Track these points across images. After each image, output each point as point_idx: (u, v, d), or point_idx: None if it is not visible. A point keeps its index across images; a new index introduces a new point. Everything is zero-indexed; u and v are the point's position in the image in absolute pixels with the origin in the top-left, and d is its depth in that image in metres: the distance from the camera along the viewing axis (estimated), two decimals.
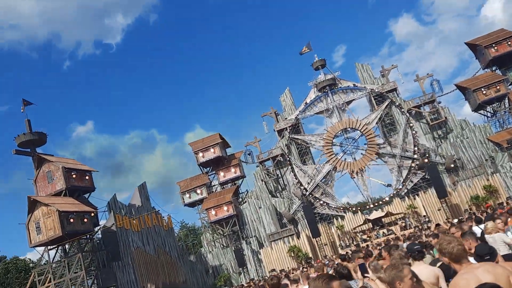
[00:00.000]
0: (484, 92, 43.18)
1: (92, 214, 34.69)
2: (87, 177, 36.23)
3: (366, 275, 4.62)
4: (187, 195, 47.42)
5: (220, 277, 42.65)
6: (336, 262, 15.81)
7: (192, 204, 48.18)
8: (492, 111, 45.57)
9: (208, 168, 49.06)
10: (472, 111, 46.27)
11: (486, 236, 7.33)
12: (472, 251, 4.76)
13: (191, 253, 48.98)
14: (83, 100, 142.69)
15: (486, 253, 4.22)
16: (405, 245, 9.29)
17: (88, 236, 34.89)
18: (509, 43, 43.14)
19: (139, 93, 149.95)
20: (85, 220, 33.33)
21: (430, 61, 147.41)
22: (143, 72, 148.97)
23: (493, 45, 43.43)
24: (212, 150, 46.76)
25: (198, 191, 47.10)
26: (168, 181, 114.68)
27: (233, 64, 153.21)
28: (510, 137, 40.29)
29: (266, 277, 33.00)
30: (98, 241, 36.85)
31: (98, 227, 36.70)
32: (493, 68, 45.65)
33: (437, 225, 17.56)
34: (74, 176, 34.74)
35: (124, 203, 40.05)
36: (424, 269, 4.74)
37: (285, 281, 9.62)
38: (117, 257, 35.49)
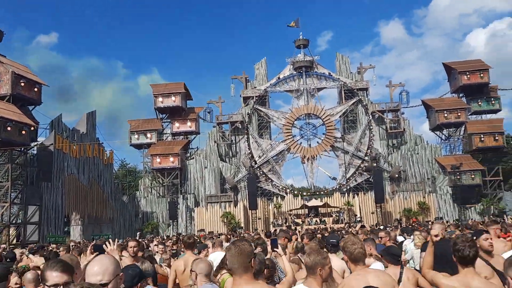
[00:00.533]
0: (446, 115, 44.66)
1: (32, 128, 32.73)
2: (35, 89, 33.97)
3: (275, 249, 4.91)
4: (136, 136, 46.05)
5: (148, 224, 42.29)
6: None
7: (138, 146, 46.93)
8: (447, 135, 47.38)
9: (163, 115, 47.73)
10: (430, 129, 47.91)
11: (412, 247, 8.03)
12: (372, 254, 5.50)
13: (125, 193, 48.06)
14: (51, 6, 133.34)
15: (399, 255, 4.94)
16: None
17: (22, 149, 33.06)
18: (482, 75, 44.57)
19: (116, 16, 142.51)
20: (23, 132, 31.40)
21: (406, 71, 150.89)
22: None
23: (467, 73, 44.72)
24: (173, 98, 45.37)
25: (148, 135, 45.85)
26: (117, 116, 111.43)
27: (216, 18, 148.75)
28: (455, 163, 42.15)
29: (193, 235, 33.03)
30: (31, 157, 35.08)
31: (35, 143, 34.88)
32: (460, 95, 47.20)
33: (362, 226, 18.10)
34: (22, 84, 32.44)
35: (68, 126, 38.32)
36: (335, 261, 5.15)
37: (208, 242, 9.55)
38: (47, 178, 34.03)
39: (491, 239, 4.85)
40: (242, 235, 25.76)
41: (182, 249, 8.90)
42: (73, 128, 38.83)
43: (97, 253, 4.36)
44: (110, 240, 4.53)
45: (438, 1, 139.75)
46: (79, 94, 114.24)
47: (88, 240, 26.19)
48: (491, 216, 38.28)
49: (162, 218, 43.67)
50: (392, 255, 4.86)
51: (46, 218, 33.39)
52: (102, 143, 42.82)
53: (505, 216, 35.90)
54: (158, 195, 45.44)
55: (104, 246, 4.42)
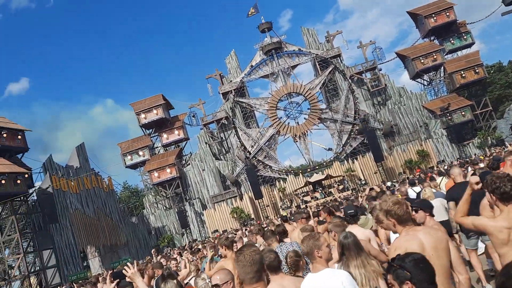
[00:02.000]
0: (422, 61, 44.94)
1: (26, 175, 33.01)
2: (19, 137, 34.16)
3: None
4: (129, 157, 46.37)
5: (163, 238, 42.78)
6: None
7: (134, 166, 47.28)
8: (428, 80, 47.71)
9: (150, 130, 47.98)
10: (410, 79, 48.24)
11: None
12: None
13: (133, 215, 48.51)
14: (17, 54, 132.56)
15: (433, 207, 4.67)
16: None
17: (22, 198, 33.36)
18: (448, 14, 44.78)
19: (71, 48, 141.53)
20: (18, 181, 31.64)
21: (372, 29, 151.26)
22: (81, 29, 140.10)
23: (433, 15, 44.90)
24: (155, 111, 45.58)
25: (141, 153, 46.17)
26: (105, 143, 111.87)
27: (175, 24, 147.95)
28: (443, 105, 42.56)
29: (209, 237, 33.52)
30: (33, 203, 35.39)
31: (33, 189, 35.16)
32: (432, 38, 47.42)
33: (371, 188, 18.38)
34: (5, 135, 32.58)
35: (61, 164, 38.55)
36: (358, 231, 4.95)
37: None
38: (54, 219, 34.37)
39: None
40: (252, 225, 26.19)
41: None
42: (66, 165, 39.05)
43: (118, 280, 4.29)
44: (129, 263, 4.19)
45: None
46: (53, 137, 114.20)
47: (109, 268, 26.63)
48: (491, 147, 38.81)
49: (175, 229, 44.17)
50: (429, 208, 4.61)
51: (62, 259, 33.79)
52: (98, 172, 43.14)
53: (506, 143, 36.43)
54: (165, 208, 45.89)
55: (123, 271, 4.12)
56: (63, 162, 39.83)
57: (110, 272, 4.76)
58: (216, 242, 6.34)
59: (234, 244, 6.60)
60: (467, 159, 30.02)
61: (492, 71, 48.71)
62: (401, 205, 3.44)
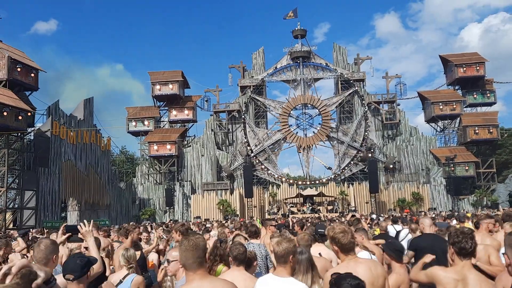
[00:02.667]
0: (441, 107, 44.96)
1: (29, 114, 32.88)
2: (32, 75, 34.04)
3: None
4: (134, 123, 46.28)
5: (145, 210, 42.65)
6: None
7: (135, 133, 47.16)
8: (442, 127, 47.74)
9: (161, 103, 47.86)
10: (425, 121, 48.26)
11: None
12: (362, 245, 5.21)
13: (122, 180, 48.38)
14: None
15: (403, 251, 4.50)
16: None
17: (19, 134, 33.23)
18: (478, 68, 44.82)
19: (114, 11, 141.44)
20: (20, 117, 31.54)
21: (402, 64, 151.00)
22: None
23: (463, 65, 44.94)
24: (170, 86, 45.48)
25: (146, 123, 46.07)
26: (115, 101, 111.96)
27: (215, 8, 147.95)
28: (449, 154, 42.57)
29: (189, 221, 33.41)
30: (28, 143, 35.26)
31: (32, 129, 35.04)
32: (456, 87, 47.48)
33: (353, 215, 18.46)
34: (19, 69, 32.47)
35: (66, 112, 38.43)
36: (323, 250, 5.04)
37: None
38: (44, 163, 34.25)
39: None
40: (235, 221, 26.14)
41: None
42: (70, 114, 38.94)
43: (70, 234, 4.21)
44: (85, 221, 4.14)
45: None
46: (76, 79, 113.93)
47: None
48: (484, 208, 38.85)
49: (159, 205, 44.06)
50: (396, 251, 4.26)
51: (42, 204, 33.67)
52: (100, 129, 43.02)
53: (499, 206, 36.48)
54: (155, 182, 45.77)
55: (78, 227, 4.06)
56: (68, 111, 39.67)
57: (64, 224, 4.76)
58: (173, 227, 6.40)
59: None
60: (457, 213, 30.04)
61: (505, 135, 48.75)
62: (346, 234, 3.48)
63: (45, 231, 16.92)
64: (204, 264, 2.81)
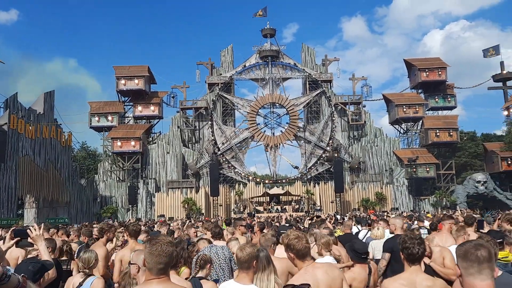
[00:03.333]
0: (405, 109, 46.13)
1: None
2: None
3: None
4: (96, 118, 44.83)
5: (107, 208, 41.41)
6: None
7: (98, 129, 45.72)
8: (405, 129, 49.00)
9: (126, 98, 46.63)
10: (389, 123, 49.38)
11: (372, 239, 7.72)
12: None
13: (83, 177, 46.77)
14: None
15: (364, 252, 4.49)
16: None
17: None
18: (440, 73, 46.32)
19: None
20: None
21: (367, 67, 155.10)
22: None
23: (426, 70, 46.31)
24: (136, 81, 44.38)
25: (109, 118, 44.73)
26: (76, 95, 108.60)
27: (183, 3, 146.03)
28: (411, 156, 43.71)
29: (153, 220, 32.68)
30: None
31: None
32: (419, 91, 48.86)
33: (317, 216, 18.54)
34: None
35: (25, 106, 36.68)
36: (284, 252, 5.07)
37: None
38: (1, 159, 32.51)
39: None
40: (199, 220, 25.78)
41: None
42: (29, 108, 37.22)
43: (18, 238, 3.89)
44: (35, 224, 3.89)
45: (398, 2, 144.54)
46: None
47: (44, 223, 25.30)
48: (443, 208, 40.16)
49: (122, 203, 42.89)
50: (355, 252, 4.36)
51: None
52: (60, 124, 41.37)
53: (457, 207, 37.80)
54: (118, 179, 44.53)
55: (28, 230, 3.81)
56: (27, 104, 37.89)
57: (12, 228, 4.37)
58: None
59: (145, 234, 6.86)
60: (417, 213, 30.87)
61: (465, 138, 50.63)
62: (301, 239, 3.42)
63: (1, 230, 16.05)
64: (168, 270, 2.66)
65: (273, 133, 46.40)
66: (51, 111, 39.98)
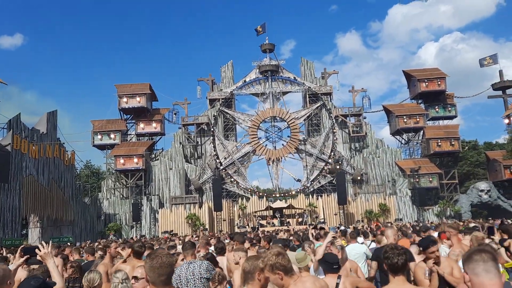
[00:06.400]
0: (405, 120, 46.31)
1: None
2: None
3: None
4: (99, 136, 45.21)
5: (111, 226, 41.46)
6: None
7: (101, 147, 46.06)
8: (406, 139, 49.10)
9: (128, 116, 47.07)
10: (390, 134, 49.53)
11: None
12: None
13: (87, 195, 46.95)
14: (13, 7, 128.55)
15: (335, 262, 4.62)
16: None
17: None
18: (439, 83, 46.59)
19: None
20: None
21: (365, 80, 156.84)
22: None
23: (426, 80, 46.60)
24: (138, 98, 44.86)
25: (112, 136, 45.12)
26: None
27: (184, 21, 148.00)
28: (414, 166, 43.73)
29: (157, 237, 32.70)
30: None
31: None
32: (419, 101, 49.07)
33: (321, 228, 18.54)
34: None
35: (28, 126, 37.09)
36: None
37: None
38: (4, 179, 32.73)
39: (438, 251, 4.83)
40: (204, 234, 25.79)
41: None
42: (32, 128, 37.60)
43: (28, 256, 3.99)
44: (43, 242, 3.91)
45: (391, 17, 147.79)
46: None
47: (51, 243, 25.39)
48: (448, 218, 40.00)
49: (125, 220, 42.95)
50: (326, 263, 4.62)
51: (2, 221, 32.12)
52: (64, 143, 41.74)
53: (463, 218, 37.59)
54: (121, 196, 44.67)
55: (36, 250, 3.84)
56: (30, 124, 38.31)
57: (22, 246, 4.49)
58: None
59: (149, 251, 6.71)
60: (421, 224, 30.77)
61: (466, 147, 50.61)
62: (284, 255, 3.37)
63: (4, 250, 16.13)
64: (171, 281, 2.74)
65: (275, 147, 46.60)
66: (54, 130, 40.37)
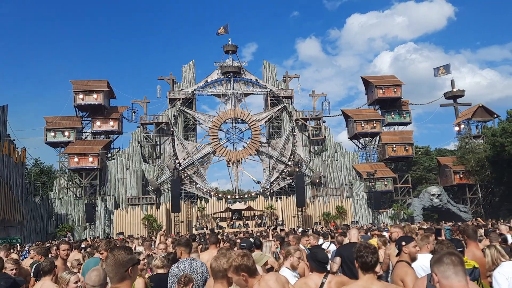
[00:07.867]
0: (363, 125, 47.55)
1: None
2: None
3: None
4: (52, 133, 43.37)
5: (63, 227, 39.80)
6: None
7: (54, 144, 44.22)
8: (363, 144, 50.42)
9: (84, 113, 45.48)
10: (348, 138, 50.69)
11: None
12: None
13: (37, 194, 44.86)
14: None
15: (326, 262, 4.67)
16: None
17: None
18: (395, 90, 48.23)
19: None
20: None
21: (324, 85, 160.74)
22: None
23: (383, 87, 48.10)
24: (95, 95, 43.43)
25: (66, 133, 43.40)
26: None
27: (144, 18, 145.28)
28: (370, 170, 44.93)
29: (112, 238, 31.74)
30: None
31: None
32: (376, 107, 50.57)
33: (281, 230, 18.60)
34: None
35: None
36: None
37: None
38: None
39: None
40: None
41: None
42: None
43: None
44: None
45: (349, 25, 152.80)
46: None
47: None
48: (401, 221, 41.29)
49: (78, 221, 41.38)
50: (318, 262, 4.57)
51: None
52: (14, 140, 39.68)
53: (415, 222, 38.90)
54: (74, 196, 43.03)
55: None
56: None
57: None
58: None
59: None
60: (377, 226, 31.65)
61: (419, 153, 52.62)
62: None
63: None
64: (128, 278, 2.82)
65: (235, 148, 46.52)
66: (4, 126, 38.31)
